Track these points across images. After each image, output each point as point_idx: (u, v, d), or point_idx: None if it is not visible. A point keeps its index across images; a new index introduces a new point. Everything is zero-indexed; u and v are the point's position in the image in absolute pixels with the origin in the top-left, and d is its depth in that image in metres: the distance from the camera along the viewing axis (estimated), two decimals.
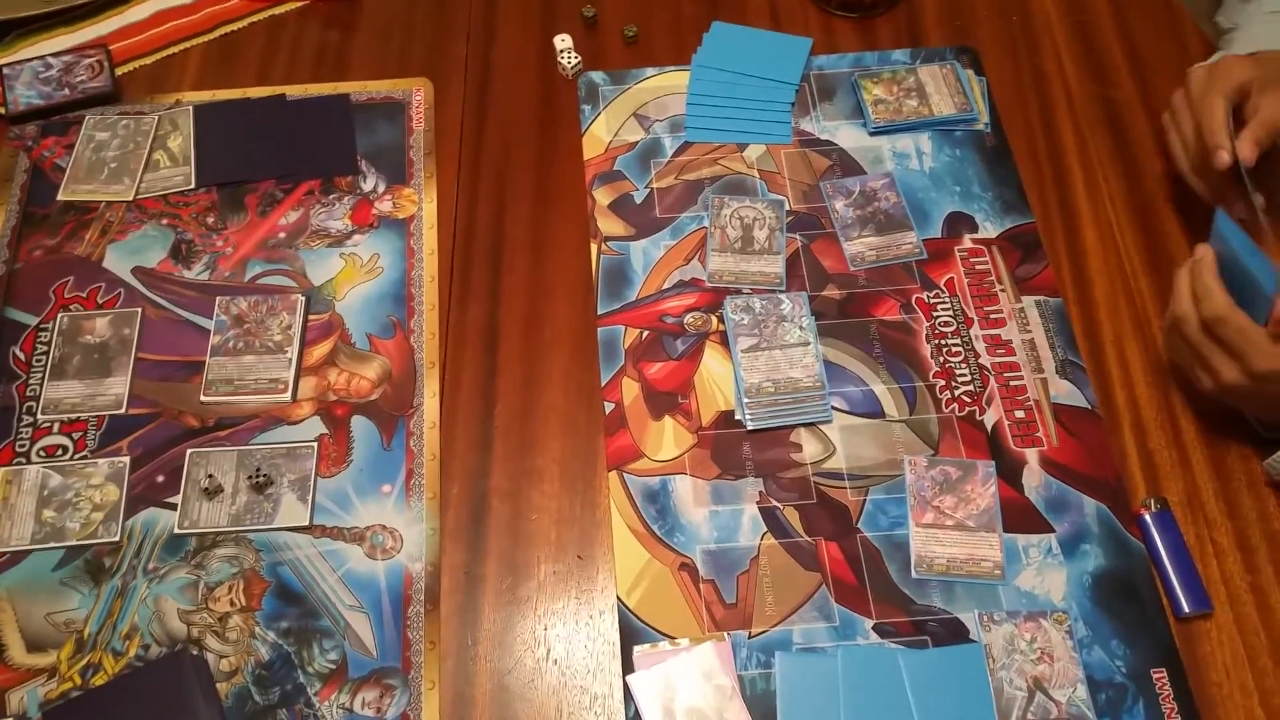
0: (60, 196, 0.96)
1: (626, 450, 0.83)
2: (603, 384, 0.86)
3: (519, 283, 0.92)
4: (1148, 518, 0.79)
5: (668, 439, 0.84)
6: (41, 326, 0.89)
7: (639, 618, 0.76)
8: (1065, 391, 0.85)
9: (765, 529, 0.80)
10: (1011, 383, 0.86)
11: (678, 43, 1.07)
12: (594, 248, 0.93)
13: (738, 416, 0.85)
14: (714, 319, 0.89)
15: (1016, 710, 0.72)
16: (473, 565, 0.79)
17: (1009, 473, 0.82)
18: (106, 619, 0.76)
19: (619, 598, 0.77)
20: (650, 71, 1.05)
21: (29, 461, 0.83)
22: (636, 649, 0.75)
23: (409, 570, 0.78)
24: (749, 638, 0.75)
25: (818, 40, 1.07)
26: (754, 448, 0.83)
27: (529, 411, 0.86)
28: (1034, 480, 0.82)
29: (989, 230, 0.94)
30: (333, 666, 0.75)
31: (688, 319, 0.90)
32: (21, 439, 0.84)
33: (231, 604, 0.77)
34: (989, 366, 0.87)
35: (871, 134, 1.00)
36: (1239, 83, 0.84)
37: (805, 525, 0.80)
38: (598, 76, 1.05)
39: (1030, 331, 0.88)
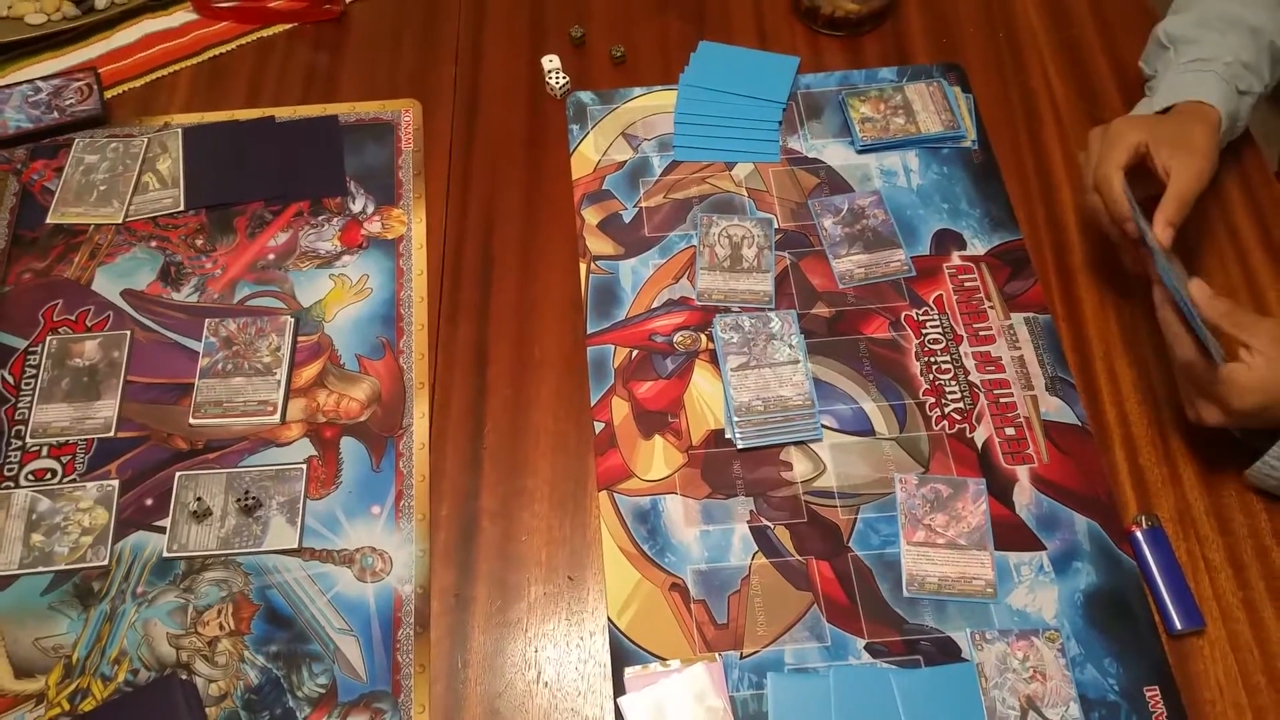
0: (49, 219, 0.97)
1: (616, 470, 0.83)
2: (592, 404, 0.86)
3: (508, 302, 0.92)
4: (1139, 535, 0.79)
5: (658, 458, 0.84)
6: (30, 349, 0.89)
7: (630, 639, 0.76)
8: (1055, 408, 0.86)
9: (756, 548, 0.79)
10: (1001, 400, 0.86)
11: (665, 62, 1.08)
12: (583, 267, 0.94)
13: (728, 435, 0.85)
14: (703, 338, 0.89)
15: None
16: (463, 587, 0.79)
17: (1000, 490, 0.82)
18: (95, 644, 0.76)
19: (610, 619, 0.77)
20: (638, 91, 1.05)
21: (17, 485, 0.83)
22: (628, 670, 0.74)
23: (399, 593, 0.78)
24: (740, 658, 0.75)
25: (805, 59, 1.08)
26: (744, 466, 0.83)
27: (519, 432, 0.85)
28: (1025, 498, 0.81)
29: (977, 247, 0.94)
30: (322, 690, 0.74)
31: (677, 338, 0.90)
32: (10, 463, 0.84)
33: (220, 628, 0.77)
34: (979, 384, 0.87)
35: (859, 152, 1.00)
36: (1132, 147, 0.84)
37: (796, 544, 0.80)
38: (586, 96, 1.05)
39: (1020, 348, 0.89)
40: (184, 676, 0.75)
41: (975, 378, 0.87)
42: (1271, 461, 0.78)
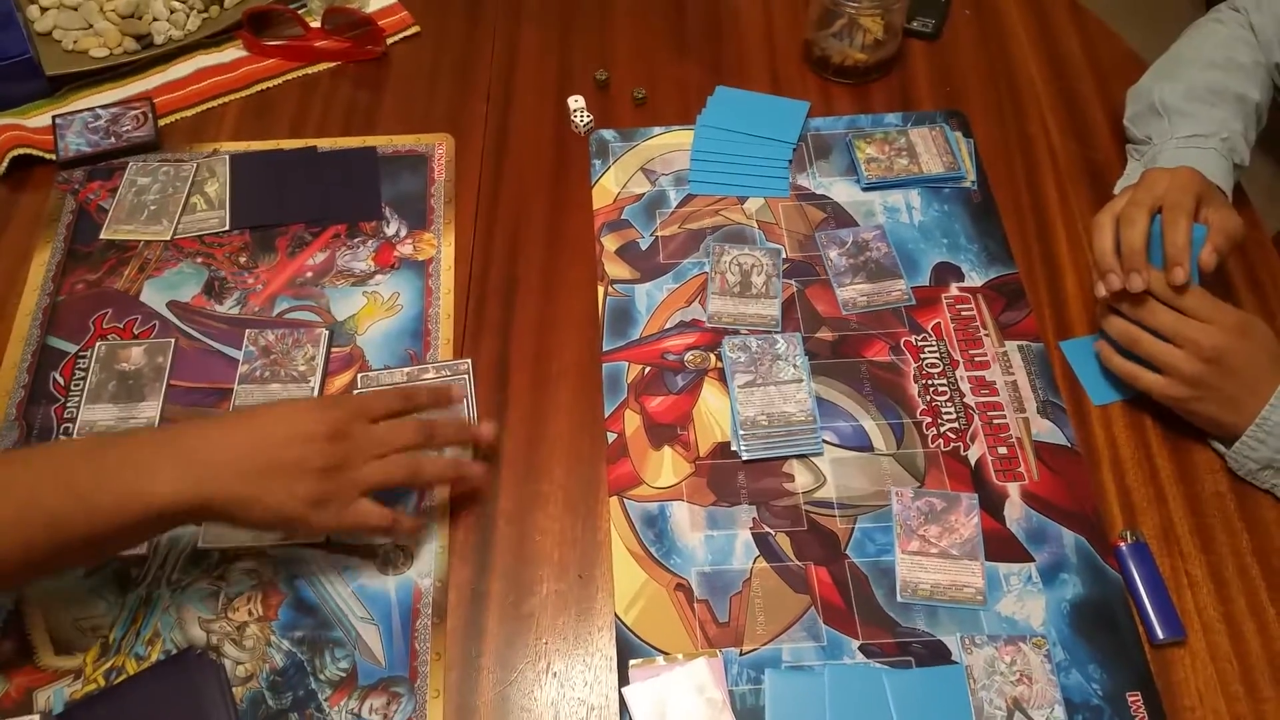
0: (103, 235, 1.03)
1: (627, 477, 0.88)
2: (606, 415, 0.91)
3: (529, 321, 0.97)
4: (1124, 549, 0.83)
5: (666, 468, 0.88)
6: (80, 354, 0.95)
7: (635, 634, 0.80)
8: (1046, 430, 0.90)
9: (758, 553, 0.83)
10: (995, 421, 0.90)
11: (684, 104, 1.14)
12: (601, 290, 0.99)
13: (733, 448, 0.89)
14: (712, 357, 0.94)
15: None
16: (479, 582, 0.83)
17: (991, 505, 0.86)
18: (131, 625, 0.80)
19: (617, 615, 0.81)
20: (657, 130, 1.11)
21: None
22: (632, 662, 0.78)
23: (419, 585, 0.82)
24: (740, 655, 0.79)
25: (815, 104, 1.14)
26: (748, 477, 0.87)
27: (536, 440, 0.90)
28: (1015, 513, 0.85)
29: (975, 279, 0.99)
30: (343, 674, 0.78)
31: (688, 356, 0.94)
32: None
33: (249, 614, 0.81)
34: (973, 406, 0.91)
35: (864, 189, 1.06)
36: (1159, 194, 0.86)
37: (796, 550, 0.84)
38: (608, 134, 1.11)
39: (1013, 374, 0.93)
40: (213, 658, 0.79)
41: (970, 400, 0.91)
42: (1250, 442, 0.83)
